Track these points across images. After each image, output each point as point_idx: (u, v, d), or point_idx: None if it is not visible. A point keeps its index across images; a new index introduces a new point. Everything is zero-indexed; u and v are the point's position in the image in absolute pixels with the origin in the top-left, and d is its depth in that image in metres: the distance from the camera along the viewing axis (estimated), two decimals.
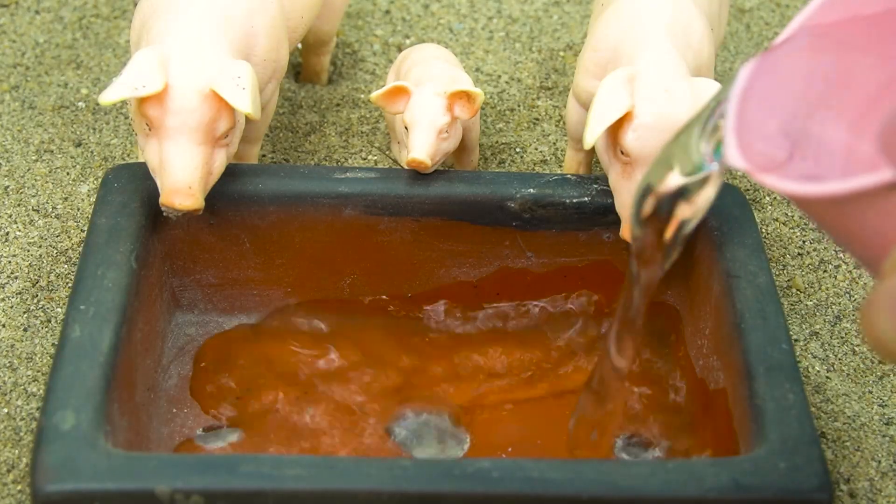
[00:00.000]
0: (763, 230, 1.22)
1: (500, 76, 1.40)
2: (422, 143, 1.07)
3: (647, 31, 1.06)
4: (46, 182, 1.23)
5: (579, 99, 1.14)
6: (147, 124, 1.00)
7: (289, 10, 1.14)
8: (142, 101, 0.99)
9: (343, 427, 1.01)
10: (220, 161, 1.02)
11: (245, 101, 1.00)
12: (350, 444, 1.00)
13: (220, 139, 1.02)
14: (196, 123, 0.99)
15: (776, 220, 1.24)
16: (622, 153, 1.02)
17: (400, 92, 1.09)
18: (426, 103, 1.08)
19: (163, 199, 0.99)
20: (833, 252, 1.21)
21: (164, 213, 1.01)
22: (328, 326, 1.10)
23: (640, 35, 1.06)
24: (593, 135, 1.00)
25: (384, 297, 1.11)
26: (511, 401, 1.05)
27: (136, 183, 1.06)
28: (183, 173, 0.99)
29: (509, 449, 1.00)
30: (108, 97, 0.98)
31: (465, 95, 1.08)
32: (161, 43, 1.02)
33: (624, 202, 1.03)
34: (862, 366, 1.11)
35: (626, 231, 1.03)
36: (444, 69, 1.13)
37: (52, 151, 1.26)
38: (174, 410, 1.02)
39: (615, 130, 1.02)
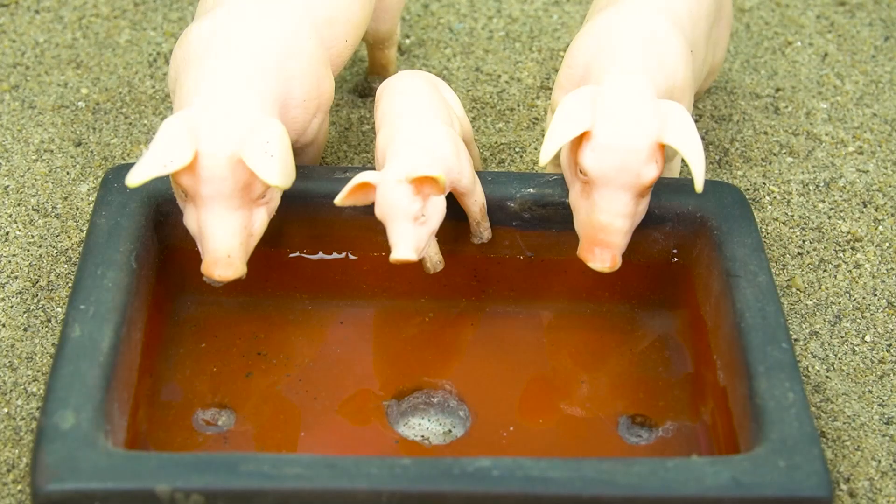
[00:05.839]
0: (763, 230, 1.22)
1: (500, 76, 1.40)
2: (400, 238, 0.98)
3: (617, 51, 1.04)
4: (46, 182, 1.23)
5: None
6: (183, 192, 0.98)
7: (328, 39, 1.10)
8: (175, 171, 0.95)
9: (344, 408, 1.01)
10: (260, 220, 0.99)
11: (273, 172, 0.94)
12: (350, 426, 1.00)
13: (258, 199, 0.98)
14: (230, 190, 0.96)
15: (776, 219, 1.24)
16: (581, 172, 1.00)
17: (364, 187, 1.01)
18: (392, 195, 0.98)
19: (203, 269, 0.96)
20: (833, 252, 1.21)
21: (206, 282, 0.98)
22: (328, 313, 1.10)
23: (610, 54, 1.04)
24: (547, 153, 0.98)
25: (384, 290, 1.12)
26: (510, 380, 1.05)
27: None
28: (221, 242, 0.96)
29: (511, 428, 1.01)
30: (136, 178, 0.93)
31: (429, 179, 0.98)
32: (190, 104, 0.98)
33: (582, 221, 1.01)
34: (862, 365, 1.11)
35: (583, 251, 1.01)
36: (411, 135, 1.02)
37: (52, 151, 1.27)
38: (175, 394, 1.02)
39: (575, 149, 1.01)
